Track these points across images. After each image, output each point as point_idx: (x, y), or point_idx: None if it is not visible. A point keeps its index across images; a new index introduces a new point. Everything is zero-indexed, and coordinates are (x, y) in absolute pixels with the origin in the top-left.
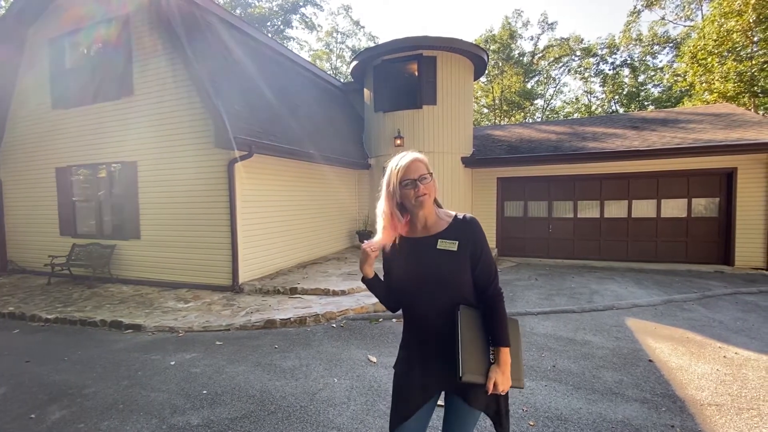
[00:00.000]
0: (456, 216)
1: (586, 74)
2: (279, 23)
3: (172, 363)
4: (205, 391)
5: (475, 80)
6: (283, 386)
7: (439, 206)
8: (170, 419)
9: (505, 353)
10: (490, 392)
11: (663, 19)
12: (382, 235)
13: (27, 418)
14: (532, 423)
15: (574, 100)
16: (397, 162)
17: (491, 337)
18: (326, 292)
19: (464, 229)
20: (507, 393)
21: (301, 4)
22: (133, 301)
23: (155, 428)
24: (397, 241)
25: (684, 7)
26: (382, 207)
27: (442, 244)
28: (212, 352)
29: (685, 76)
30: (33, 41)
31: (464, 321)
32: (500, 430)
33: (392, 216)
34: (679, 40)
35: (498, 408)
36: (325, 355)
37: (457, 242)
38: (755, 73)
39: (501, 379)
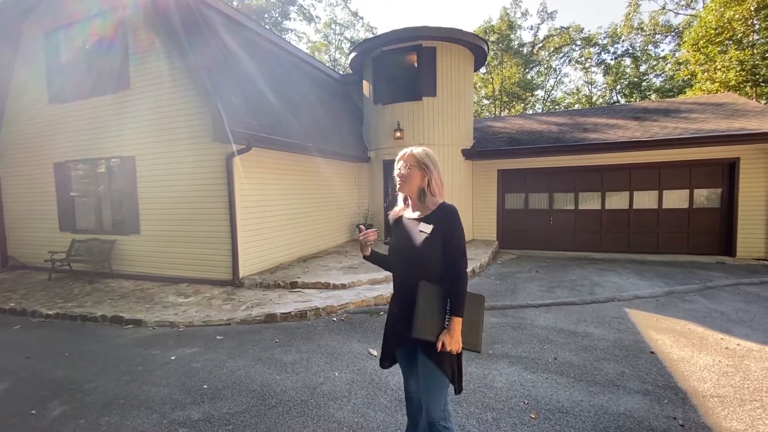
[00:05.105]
0: (441, 204)
1: (587, 64)
2: (277, 15)
3: (173, 358)
4: (205, 386)
5: (475, 71)
6: (283, 380)
7: (433, 195)
8: (171, 414)
9: (456, 322)
10: (439, 349)
11: (663, 8)
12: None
13: (28, 414)
14: (533, 416)
15: (574, 90)
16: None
17: (449, 307)
18: (327, 286)
19: (441, 216)
20: (460, 355)
21: None
22: (133, 296)
23: (156, 423)
24: (394, 220)
25: None
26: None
27: (422, 226)
28: (213, 347)
29: (686, 64)
30: (28, 35)
31: (423, 292)
32: (455, 387)
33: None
34: (681, 28)
35: (452, 366)
36: (325, 349)
37: (431, 227)
38: (757, 62)
39: (449, 341)
